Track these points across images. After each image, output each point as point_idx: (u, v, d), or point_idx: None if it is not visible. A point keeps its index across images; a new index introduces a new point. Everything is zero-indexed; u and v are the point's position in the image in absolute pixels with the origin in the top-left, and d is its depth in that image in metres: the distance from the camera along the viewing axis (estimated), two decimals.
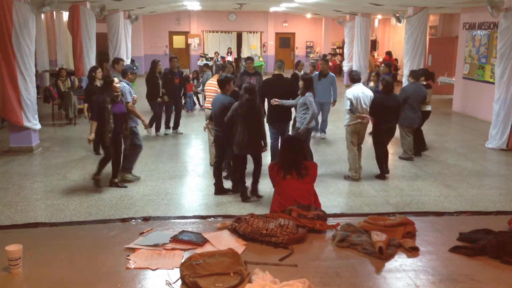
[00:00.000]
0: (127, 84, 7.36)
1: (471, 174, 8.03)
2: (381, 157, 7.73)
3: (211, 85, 8.27)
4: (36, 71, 11.84)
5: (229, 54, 23.67)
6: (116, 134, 6.71)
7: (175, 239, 3.02)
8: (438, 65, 16.90)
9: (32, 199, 6.69)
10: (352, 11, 18.21)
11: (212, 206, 6.49)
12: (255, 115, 6.28)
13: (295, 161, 4.08)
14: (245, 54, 25.13)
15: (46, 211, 6.26)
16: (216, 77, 8.48)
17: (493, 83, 10.86)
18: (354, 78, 7.70)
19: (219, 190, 6.89)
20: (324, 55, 19.78)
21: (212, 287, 2.44)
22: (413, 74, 8.82)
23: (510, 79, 9.44)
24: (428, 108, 9.14)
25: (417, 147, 9.10)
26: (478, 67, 13.37)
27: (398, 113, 7.63)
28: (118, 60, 9.61)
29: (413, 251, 2.94)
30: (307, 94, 7.25)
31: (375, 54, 23.07)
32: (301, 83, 7.43)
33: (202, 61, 23.41)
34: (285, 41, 26.01)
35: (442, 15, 18.12)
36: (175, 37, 25.34)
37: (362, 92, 7.44)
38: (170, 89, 10.61)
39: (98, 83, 8.79)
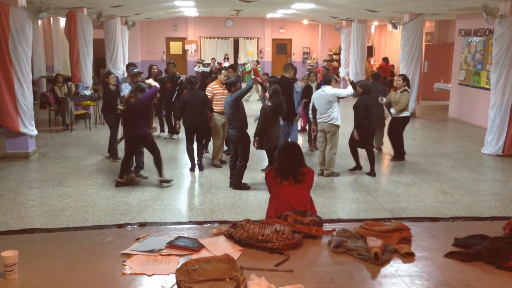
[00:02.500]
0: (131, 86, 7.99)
1: (467, 180, 8.06)
2: (355, 151, 8.36)
3: (209, 91, 8.45)
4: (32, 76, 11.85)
5: (226, 60, 23.72)
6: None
7: (171, 244, 3.01)
8: (434, 71, 16.99)
9: (28, 205, 6.68)
10: (348, 18, 18.30)
11: (208, 212, 6.49)
12: (279, 115, 7.43)
13: (292, 167, 4.08)
14: (242, 60, 25.20)
15: (42, 217, 6.25)
16: (217, 82, 8.57)
17: (488, 89, 10.93)
18: (324, 80, 8.54)
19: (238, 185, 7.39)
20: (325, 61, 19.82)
21: None
22: (373, 75, 10.01)
23: (506, 85, 9.50)
24: (404, 114, 8.94)
25: (397, 152, 9.27)
26: (473, 73, 13.44)
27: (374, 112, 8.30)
28: (127, 66, 10.14)
29: (408, 257, 2.94)
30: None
31: (372, 60, 23.15)
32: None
33: (199, 67, 23.45)
34: (282, 47, 26.08)
35: (438, 22, 18.22)
36: (172, 43, 25.39)
37: (320, 94, 8.09)
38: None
39: (112, 88, 8.93)
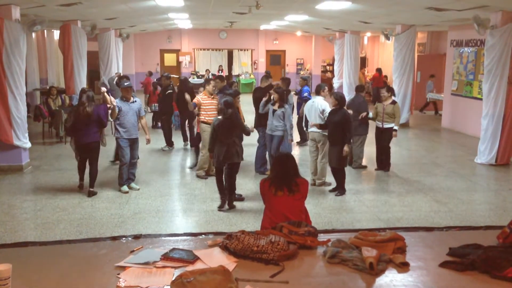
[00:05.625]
0: (120, 101, 7.72)
1: (461, 190, 8.09)
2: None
3: (197, 101, 8.54)
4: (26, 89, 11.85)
5: (220, 72, 23.78)
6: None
7: (165, 256, 3.00)
8: (427, 82, 17.09)
9: (21, 218, 6.64)
10: (341, 29, 18.43)
11: (203, 224, 6.47)
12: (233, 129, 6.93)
13: (287, 177, 4.09)
14: (236, 71, 25.29)
15: (35, 230, 6.21)
16: (205, 92, 8.57)
17: (481, 99, 11.01)
18: (315, 91, 8.45)
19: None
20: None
21: None
22: (357, 88, 9.66)
23: (498, 95, 9.57)
24: (392, 125, 8.81)
25: (381, 163, 9.18)
26: (466, 83, 13.55)
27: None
28: (120, 79, 10.45)
29: (403, 267, 2.94)
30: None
31: (366, 71, 23.27)
32: (275, 96, 8.28)
33: (193, 78, 23.49)
34: (275, 59, 26.21)
35: (430, 33, 18.39)
36: (166, 55, 25.46)
37: (311, 105, 8.16)
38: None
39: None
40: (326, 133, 7.87)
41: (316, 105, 7.98)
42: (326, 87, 8.58)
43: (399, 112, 8.90)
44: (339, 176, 7.77)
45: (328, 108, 7.94)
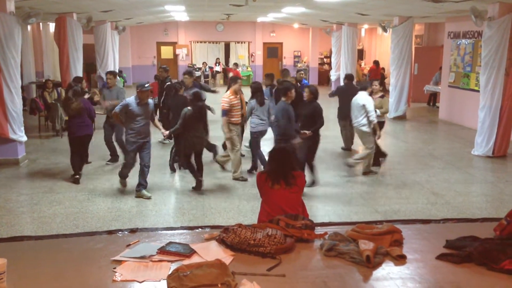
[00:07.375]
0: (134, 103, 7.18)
1: (458, 182, 8.10)
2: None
3: (225, 102, 7.90)
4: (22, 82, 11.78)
5: (217, 64, 23.72)
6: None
7: (162, 250, 2.99)
8: (424, 74, 17.09)
9: (17, 212, 6.62)
10: (338, 21, 18.37)
11: (199, 217, 6.47)
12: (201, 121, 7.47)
13: (283, 170, 4.08)
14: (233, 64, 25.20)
15: (32, 224, 6.20)
16: (232, 92, 7.94)
17: (478, 91, 11.00)
18: (360, 87, 8.57)
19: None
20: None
21: None
22: (347, 76, 9.93)
23: (495, 87, 9.56)
24: (381, 119, 8.69)
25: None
26: (463, 75, 13.53)
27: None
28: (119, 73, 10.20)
29: (400, 259, 2.94)
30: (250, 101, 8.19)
31: (362, 63, 23.23)
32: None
33: None
34: (273, 51, 26.12)
35: (427, 25, 18.35)
36: (163, 48, 25.35)
37: (354, 100, 8.33)
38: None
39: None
40: (367, 129, 8.04)
41: (357, 101, 8.12)
42: (376, 82, 8.84)
43: (387, 106, 9.02)
44: (312, 171, 7.58)
45: (368, 103, 7.96)
